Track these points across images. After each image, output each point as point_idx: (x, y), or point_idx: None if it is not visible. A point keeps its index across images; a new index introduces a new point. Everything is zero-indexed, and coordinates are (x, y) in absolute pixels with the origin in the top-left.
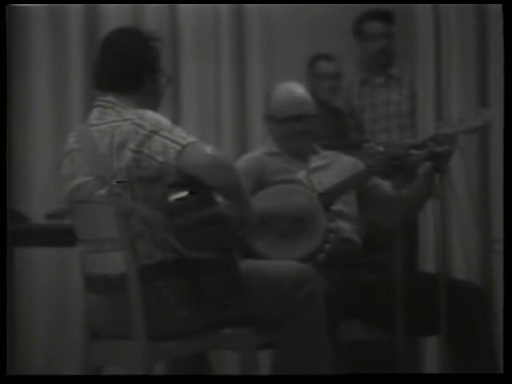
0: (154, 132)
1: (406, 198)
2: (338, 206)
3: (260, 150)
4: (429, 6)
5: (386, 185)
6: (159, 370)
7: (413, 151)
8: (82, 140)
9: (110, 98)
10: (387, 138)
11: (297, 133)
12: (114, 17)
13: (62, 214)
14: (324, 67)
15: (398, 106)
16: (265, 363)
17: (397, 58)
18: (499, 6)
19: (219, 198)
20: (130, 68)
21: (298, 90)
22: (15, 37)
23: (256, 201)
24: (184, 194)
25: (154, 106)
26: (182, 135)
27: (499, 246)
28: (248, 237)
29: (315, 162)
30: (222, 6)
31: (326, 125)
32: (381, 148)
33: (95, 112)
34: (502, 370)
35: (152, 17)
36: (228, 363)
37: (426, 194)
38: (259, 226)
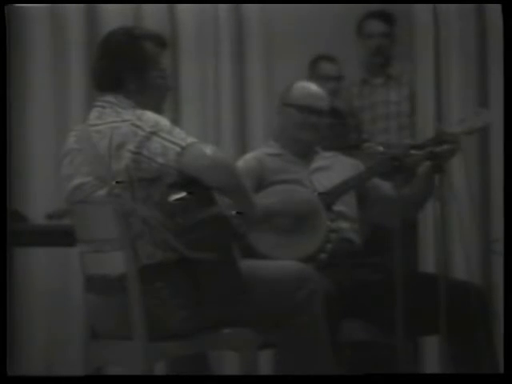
0: (153, 133)
1: (405, 197)
2: (338, 207)
3: (261, 150)
4: (428, 6)
5: (385, 185)
6: (159, 370)
7: (413, 151)
8: (82, 140)
9: (109, 98)
10: (386, 138)
11: (310, 124)
12: (114, 17)
13: (62, 214)
14: (327, 69)
15: (397, 106)
16: (265, 363)
17: (396, 59)
18: (498, 6)
19: (219, 198)
20: (121, 68)
21: (318, 87)
22: (15, 37)
23: (257, 200)
24: (184, 194)
25: (155, 106)
26: (182, 136)
27: (499, 246)
28: (249, 236)
29: (316, 162)
30: (222, 6)
31: (327, 126)
32: (381, 148)
33: (94, 112)
34: (502, 370)
35: (152, 17)
36: (228, 363)
37: (426, 193)
38: (260, 225)
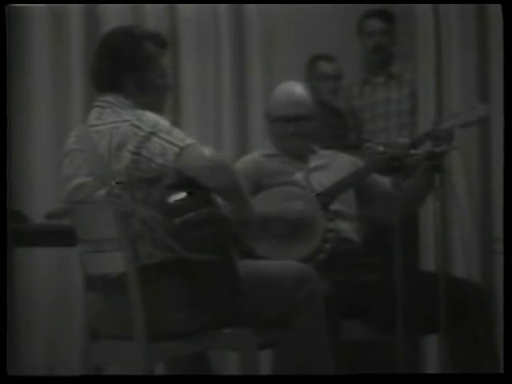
0: (153, 134)
1: (405, 191)
2: (336, 206)
3: (258, 151)
4: (429, 6)
5: (385, 181)
6: (159, 370)
7: (412, 151)
8: (82, 140)
9: (108, 98)
10: (386, 137)
11: (288, 134)
12: (114, 17)
13: (62, 214)
14: (324, 68)
15: (397, 105)
16: (265, 363)
17: (397, 57)
18: (499, 6)
19: (218, 199)
20: (121, 68)
21: (296, 90)
22: (15, 37)
23: (254, 203)
24: (183, 194)
25: (155, 107)
26: (181, 137)
27: (499, 246)
28: (248, 238)
29: (314, 161)
30: (222, 6)
31: (325, 126)
32: (381, 148)
33: (94, 112)
34: (502, 370)
35: (152, 17)
36: (228, 363)
37: (425, 188)
38: (258, 228)
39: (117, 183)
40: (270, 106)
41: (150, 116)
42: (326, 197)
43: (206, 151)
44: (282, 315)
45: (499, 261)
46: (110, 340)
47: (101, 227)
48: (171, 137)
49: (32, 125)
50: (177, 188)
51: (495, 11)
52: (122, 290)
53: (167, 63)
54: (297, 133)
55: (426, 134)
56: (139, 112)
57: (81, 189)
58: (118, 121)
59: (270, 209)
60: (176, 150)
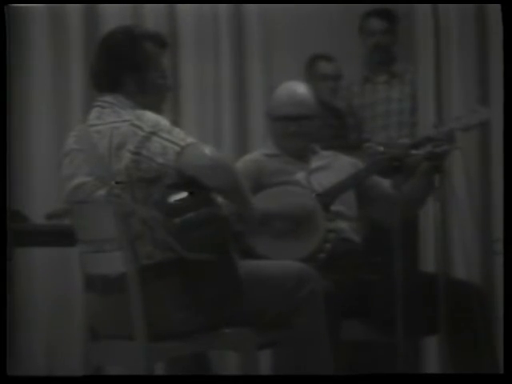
0: (153, 133)
1: (405, 194)
2: (337, 206)
3: (259, 151)
4: (429, 6)
5: (385, 183)
6: (159, 370)
7: (413, 151)
8: (82, 140)
9: (108, 98)
10: (386, 135)
11: (290, 133)
12: (114, 17)
13: (62, 214)
14: (324, 68)
15: (398, 104)
16: (265, 363)
17: (398, 57)
18: (498, 6)
19: (219, 199)
20: (121, 68)
21: (298, 90)
22: (15, 37)
23: (255, 202)
24: (183, 194)
25: (155, 107)
26: (181, 136)
27: (499, 246)
28: (248, 237)
29: (315, 162)
30: (222, 6)
31: (325, 126)
32: (381, 148)
33: (94, 112)
34: (502, 370)
35: (152, 17)
36: (228, 363)
37: (426, 190)
38: (259, 227)
39: (117, 183)
40: (271, 105)
41: (150, 116)
42: (327, 197)
43: (207, 150)
44: (282, 315)
45: (499, 261)
46: (110, 340)
47: (101, 227)
48: (172, 136)
49: (32, 125)
50: (177, 188)
51: (495, 11)
52: (122, 290)
53: (167, 63)
54: (298, 132)
55: (427, 137)
56: (139, 112)
57: (81, 189)
58: (118, 121)
59: (271, 207)
60: (177, 149)
